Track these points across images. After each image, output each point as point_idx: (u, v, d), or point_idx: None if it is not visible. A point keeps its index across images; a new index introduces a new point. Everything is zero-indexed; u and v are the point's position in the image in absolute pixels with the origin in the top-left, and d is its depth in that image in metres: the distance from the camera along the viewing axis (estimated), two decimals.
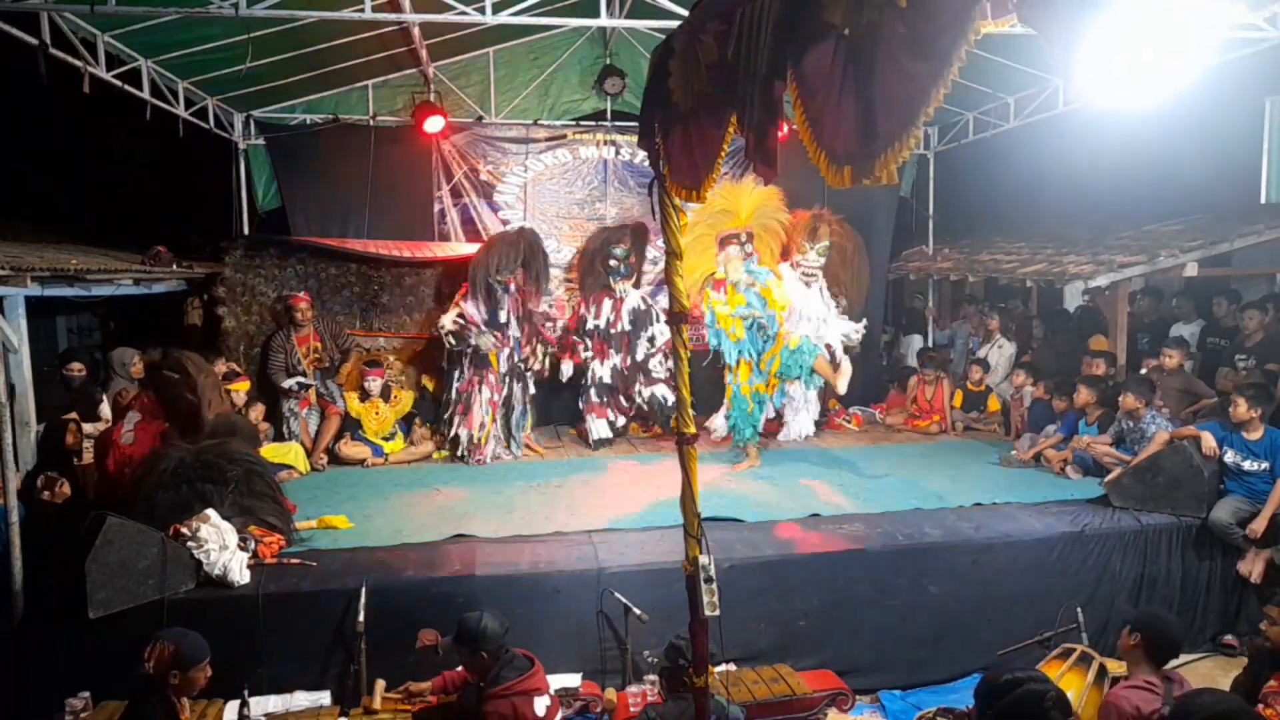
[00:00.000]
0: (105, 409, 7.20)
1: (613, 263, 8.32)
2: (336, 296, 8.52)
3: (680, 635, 3.43)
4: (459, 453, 7.71)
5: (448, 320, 7.74)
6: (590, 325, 8.33)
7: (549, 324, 8.39)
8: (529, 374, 8.11)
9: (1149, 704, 3.18)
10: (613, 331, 8.26)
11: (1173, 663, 5.41)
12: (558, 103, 9.48)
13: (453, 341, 7.74)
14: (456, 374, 7.85)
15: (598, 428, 8.25)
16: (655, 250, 9.33)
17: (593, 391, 8.31)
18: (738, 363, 7.20)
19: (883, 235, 10.07)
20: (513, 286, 7.90)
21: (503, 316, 7.82)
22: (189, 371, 5.83)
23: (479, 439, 7.70)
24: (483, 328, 7.74)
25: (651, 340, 8.33)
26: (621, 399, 8.37)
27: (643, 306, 8.40)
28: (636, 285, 8.59)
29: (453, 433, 7.76)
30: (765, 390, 7.22)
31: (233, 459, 5.40)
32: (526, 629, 4.46)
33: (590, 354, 8.33)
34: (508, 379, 7.91)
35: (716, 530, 4.95)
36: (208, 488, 5.20)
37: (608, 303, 8.33)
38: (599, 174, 9.41)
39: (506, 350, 7.88)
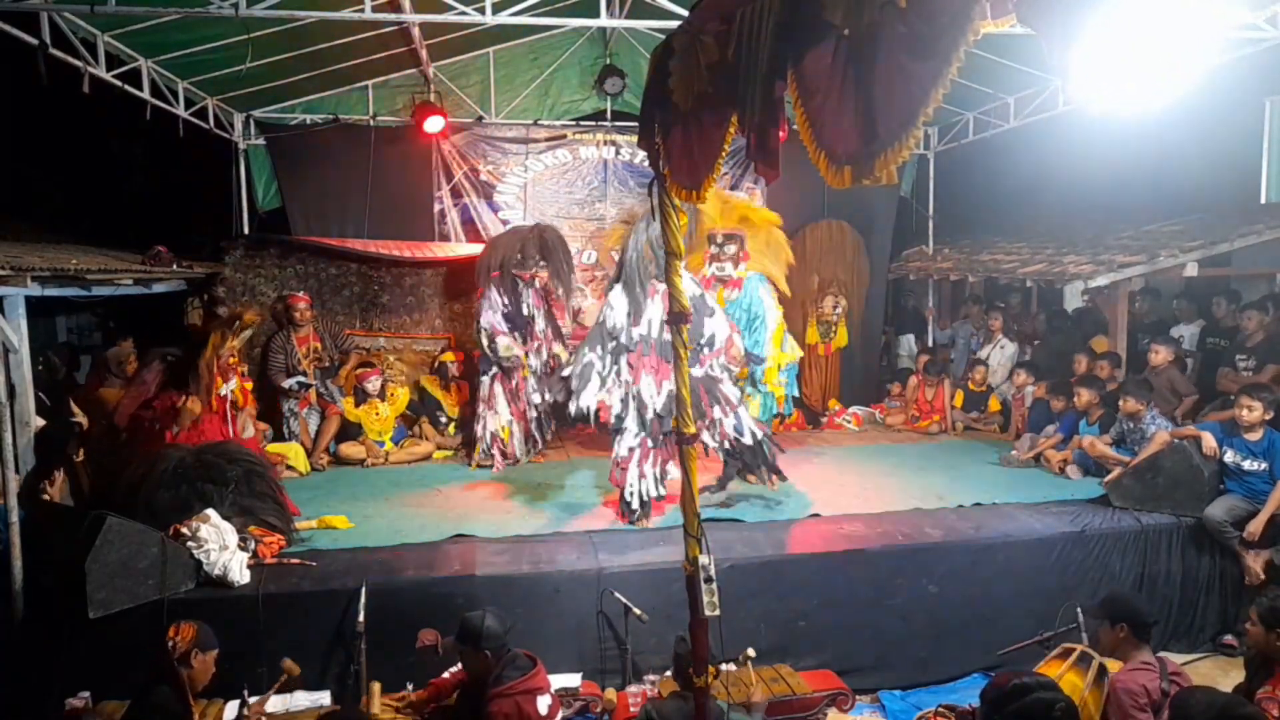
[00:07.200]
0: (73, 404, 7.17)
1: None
2: (336, 296, 8.52)
3: (683, 635, 3.43)
4: (479, 454, 7.47)
5: (483, 341, 7.42)
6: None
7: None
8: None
9: (1155, 682, 3.22)
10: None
11: (1174, 660, 5.47)
12: (558, 103, 9.49)
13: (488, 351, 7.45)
14: (483, 372, 7.58)
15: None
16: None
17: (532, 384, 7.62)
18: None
19: (883, 235, 10.09)
20: (537, 282, 7.63)
21: (525, 310, 7.52)
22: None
23: (504, 441, 7.49)
24: (502, 334, 7.39)
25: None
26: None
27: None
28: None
29: (478, 433, 7.53)
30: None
31: (233, 459, 5.41)
32: (526, 629, 4.46)
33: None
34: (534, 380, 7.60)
35: (716, 530, 4.95)
36: (208, 488, 5.20)
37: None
38: (599, 174, 9.42)
39: (537, 345, 7.61)
